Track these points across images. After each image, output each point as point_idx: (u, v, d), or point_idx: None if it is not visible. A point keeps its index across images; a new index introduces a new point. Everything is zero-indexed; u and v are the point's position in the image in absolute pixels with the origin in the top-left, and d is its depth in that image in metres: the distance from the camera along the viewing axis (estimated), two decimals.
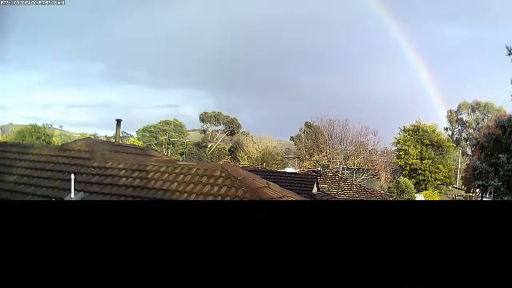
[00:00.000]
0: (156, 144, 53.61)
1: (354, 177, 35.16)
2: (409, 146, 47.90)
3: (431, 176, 46.08)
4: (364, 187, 28.94)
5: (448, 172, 46.93)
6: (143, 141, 51.26)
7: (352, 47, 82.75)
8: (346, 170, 38.50)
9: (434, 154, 47.79)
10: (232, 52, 77.42)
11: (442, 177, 46.43)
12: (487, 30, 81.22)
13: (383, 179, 39.08)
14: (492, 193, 23.57)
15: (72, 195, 6.84)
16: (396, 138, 50.71)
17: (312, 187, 20.51)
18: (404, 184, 36.29)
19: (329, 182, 27.41)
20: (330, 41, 79.74)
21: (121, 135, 13.22)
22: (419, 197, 37.43)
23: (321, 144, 42.71)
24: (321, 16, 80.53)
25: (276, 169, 32.49)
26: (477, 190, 30.17)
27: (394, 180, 38.68)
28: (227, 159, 51.18)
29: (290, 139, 61.83)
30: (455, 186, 45.30)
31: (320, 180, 24.65)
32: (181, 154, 50.85)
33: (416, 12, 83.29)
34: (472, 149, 49.35)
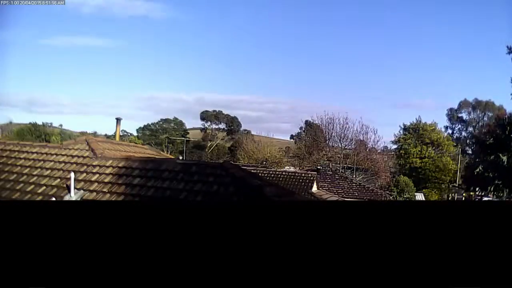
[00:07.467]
0: (155, 142, 53.63)
1: (354, 176, 35.12)
2: (409, 145, 47.86)
3: (431, 175, 46.01)
4: (364, 185, 28.92)
5: (448, 171, 46.87)
6: (143, 139, 51.26)
7: None
8: (346, 168, 38.47)
9: (434, 153, 47.73)
10: None
11: (442, 176, 46.37)
12: None
13: (383, 177, 39.05)
14: (492, 192, 23.62)
15: (72, 194, 6.84)
16: (396, 137, 50.71)
17: (312, 186, 20.52)
18: (404, 183, 36.23)
19: (329, 180, 27.42)
20: None
21: (120, 133, 13.22)
22: (419, 196, 37.36)
23: (321, 142, 42.66)
24: None
25: (276, 168, 32.49)
26: (477, 189, 30.17)
27: (394, 179, 38.63)
28: (227, 157, 51.17)
29: (290, 138, 61.88)
30: (454, 185, 45.26)
31: (320, 179, 24.65)
32: (181, 153, 50.88)
33: None
34: (472, 147, 49.35)
